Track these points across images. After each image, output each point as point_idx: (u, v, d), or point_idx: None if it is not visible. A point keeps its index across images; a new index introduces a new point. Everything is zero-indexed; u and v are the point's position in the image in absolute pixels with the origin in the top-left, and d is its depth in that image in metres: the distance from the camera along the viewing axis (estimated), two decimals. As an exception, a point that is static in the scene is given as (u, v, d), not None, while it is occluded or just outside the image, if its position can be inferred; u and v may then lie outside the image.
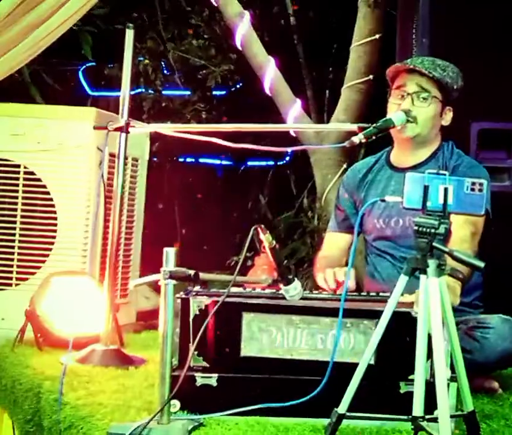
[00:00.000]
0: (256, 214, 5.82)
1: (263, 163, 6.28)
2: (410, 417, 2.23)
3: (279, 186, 6.09)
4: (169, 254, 2.29)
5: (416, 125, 2.97)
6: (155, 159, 5.61)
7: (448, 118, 3.04)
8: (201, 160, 6.42)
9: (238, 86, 6.04)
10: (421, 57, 3.21)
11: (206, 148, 5.91)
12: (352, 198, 3.17)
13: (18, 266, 3.79)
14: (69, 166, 3.76)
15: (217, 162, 6.44)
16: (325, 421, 2.28)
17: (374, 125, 2.88)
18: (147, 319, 4.13)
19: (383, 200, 2.45)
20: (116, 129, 3.26)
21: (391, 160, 3.13)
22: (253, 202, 6.06)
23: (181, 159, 6.36)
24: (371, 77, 4.70)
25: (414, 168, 2.90)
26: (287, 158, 6.14)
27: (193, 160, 6.44)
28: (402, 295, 2.27)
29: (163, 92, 6.03)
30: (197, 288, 2.55)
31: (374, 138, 2.87)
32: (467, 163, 3.01)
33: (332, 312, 2.44)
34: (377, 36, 4.64)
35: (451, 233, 2.54)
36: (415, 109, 2.96)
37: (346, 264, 2.82)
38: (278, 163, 6.20)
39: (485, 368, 2.81)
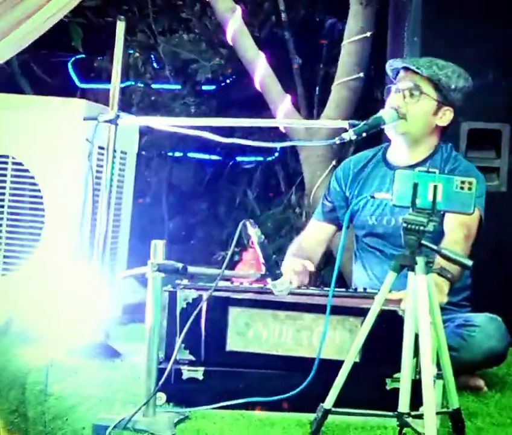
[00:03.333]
0: (244, 210, 5.81)
1: (252, 159, 6.26)
2: (395, 413, 2.24)
3: (268, 182, 6.08)
4: (158, 246, 2.28)
5: (406, 122, 2.97)
6: (143, 152, 5.58)
7: (446, 118, 3.01)
8: (189, 154, 6.40)
9: (228, 81, 6.03)
10: (424, 57, 3.20)
11: (194, 143, 5.90)
12: (344, 191, 3.16)
13: (5, 256, 3.77)
14: (57, 157, 3.74)
15: (206, 157, 6.42)
16: (311, 416, 2.29)
17: (365, 122, 2.89)
18: (134, 313, 4.12)
19: (373, 197, 2.45)
20: (106, 121, 3.25)
21: (387, 157, 3.12)
22: (241, 198, 6.05)
23: (169, 154, 6.34)
24: (361, 74, 4.69)
25: (410, 168, 2.90)
26: (276, 154, 6.13)
27: (181, 154, 6.42)
28: (390, 291, 2.28)
29: (153, 86, 6.01)
30: (185, 282, 2.55)
31: (364, 135, 2.87)
32: (463, 168, 3.01)
33: (318, 308, 2.45)
34: (368, 34, 4.63)
35: (444, 234, 2.56)
36: (405, 105, 2.96)
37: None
38: (267, 159, 6.19)
39: (471, 366, 2.82)
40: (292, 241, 3.31)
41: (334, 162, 4.68)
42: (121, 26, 3.32)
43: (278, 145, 4.85)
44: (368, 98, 4.82)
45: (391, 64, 3.08)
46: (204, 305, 2.41)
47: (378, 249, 3.06)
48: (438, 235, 2.54)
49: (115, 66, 3.31)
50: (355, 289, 2.80)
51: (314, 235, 3.18)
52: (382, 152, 3.16)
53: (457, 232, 2.75)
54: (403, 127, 2.98)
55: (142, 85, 5.99)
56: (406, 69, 3.01)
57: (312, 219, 3.29)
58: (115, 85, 3.30)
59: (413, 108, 2.97)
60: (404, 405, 2.23)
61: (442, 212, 2.30)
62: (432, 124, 3.02)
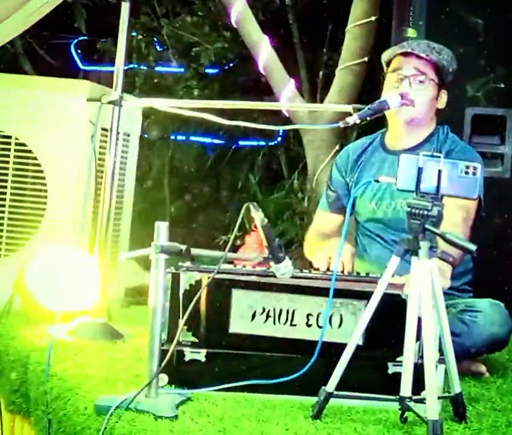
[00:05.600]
0: (246, 194, 5.81)
1: (254, 143, 6.26)
2: (397, 397, 2.25)
3: (270, 166, 6.08)
4: (161, 228, 2.28)
5: (414, 108, 2.97)
6: (146, 135, 5.58)
7: (443, 101, 3.04)
8: (192, 138, 6.39)
9: (231, 65, 6.01)
10: (417, 40, 3.21)
11: (197, 127, 5.90)
12: (345, 179, 3.17)
13: (7, 237, 3.77)
14: (60, 138, 3.73)
15: (208, 140, 6.42)
16: (313, 399, 2.29)
17: (369, 106, 2.88)
18: (135, 295, 4.12)
19: (377, 181, 2.44)
20: (110, 102, 3.24)
21: (385, 142, 3.12)
22: (244, 182, 6.05)
23: (172, 137, 6.34)
24: (365, 59, 4.68)
25: (408, 151, 2.89)
26: (279, 139, 6.13)
27: (184, 138, 6.41)
28: (393, 276, 2.28)
29: (156, 69, 6.00)
30: (188, 264, 2.54)
31: (368, 119, 2.88)
32: (460, 148, 3.01)
33: (322, 292, 2.45)
34: (373, 18, 4.62)
35: (443, 217, 2.55)
36: (413, 92, 2.96)
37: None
38: (270, 143, 6.18)
39: (473, 351, 2.82)
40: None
41: (337, 147, 4.68)
42: (125, 7, 3.30)
43: (281, 128, 4.84)
44: (372, 83, 4.81)
45: (394, 50, 3.06)
46: (207, 287, 2.40)
47: (379, 235, 3.06)
48: (438, 218, 2.54)
49: (119, 47, 3.30)
50: (358, 273, 2.79)
51: (327, 225, 3.17)
52: (380, 138, 3.16)
53: (457, 215, 2.76)
54: (409, 113, 2.97)
55: (145, 68, 5.98)
56: (406, 54, 2.99)
57: (318, 210, 3.29)
58: (119, 66, 3.29)
59: (421, 94, 2.97)
60: (406, 389, 2.24)
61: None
62: (434, 107, 3.03)
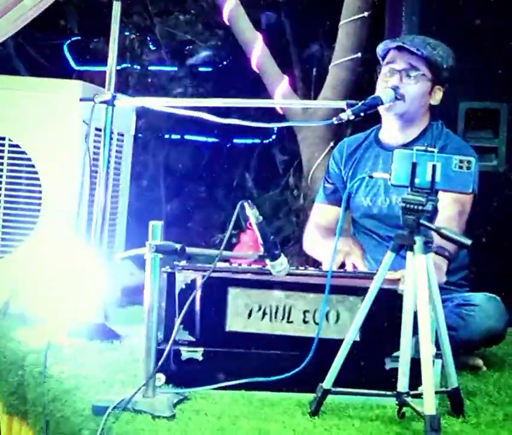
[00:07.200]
0: (241, 192, 5.81)
1: (249, 141, 6.26)
2: (394, 392, 2.25)
3: (265, 164, 6.08)
4: (156, 227, 2.27)
5: (404, 103, 2.96)
6: (140, 135, 5.57)
7: (437, 97, 3.03)
8: (186, 137, 6.39)
9: (225, 63, 6.01)
10: (413, 35, 3.21)
11: (191, 126, 5.89)
12: (341, 172, 3.17)
13: (2, 239, 3.76)
14: (54, 139, 3.72)
15: (203, 139, 6.41)
16: (310, 396, 2.29)
17: (363, 102, 2.88)
18: (132, 295, 4.12)
19: (371, 177, 2.45)
20: (103, 102, 3.24)
21: (380, 138, 3.12)
22: (239, 180, 6.05)
23: (166, 136, 6.33)
24: (359, 54, 4.68)
25: (403, 147, 2.89)
26: (273, 136, 6.13)
27: (178, 137, 6.41)
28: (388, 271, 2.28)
29: (149, 68, 5.99)
30: (183, 263, 2.54)
31: (362, 115, 2.87)
32: (454, 143, 3.01)
33: (318, 288, 2.45)
34: (366, 14, 4.62)
35: (438, 212, 2.55)
36: (403, 86, 2.96)
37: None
38: (264, 141, 6.18)
39: (470, 345, 2.82)
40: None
41: (331, 143, 4.67)
42: (117, 6, 3.30)
43: (275, 125, 4.84)
44: (365, 79, 4.81)
45: (386, 44, 3.06)
46: (203, 286, 2.40)
47: (374, 232, 3.06)
48: (433, 213, 2.54)
49: (111, 46, 3.29)
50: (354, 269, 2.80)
51: (325, 217, 3.17)
52: (374, 133, 3.16)
53: (452, 209, 2.76)
54: (400, 107, 2.98)
55: (138, 67, 5.97)
56: (400, 48, 2.99)
57: (315, 202, 3.28)
58: (111, 66, 3.28)
59: (411, 89, 2.97)
60: (403, 384, 2.24)
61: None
62: (427, 103, 3.03)
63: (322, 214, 3.20)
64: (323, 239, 3.06)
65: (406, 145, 2.94)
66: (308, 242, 3.20)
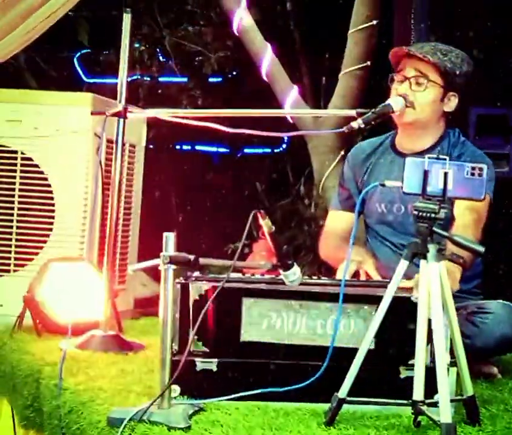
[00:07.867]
0: (252, 202, 5.82)
1: (260, 150, 6.27)
2: (410, 401, 2.24)
3: (276, 173, 6.09)
4: (169, 238, 2.28)
5: (414, 111, 2.96)
6: (151, 146, 5.59)
7: (452, 104, 3.00)
8: (197, 147, 6.41)
9: (234, 73, 6.02)
10: (427, 43, 3.18)
11: (202, 136, 5.91)
12: (355, 177, 3.15)
13: (16, 252, 3.77)
14: (66, 152, 3.75)
15: (213, 149, 6.43)
16: (326, 406, 2.29)
17: (373, 110, 2.88)
18: (145, 307, 4.13)
19: (383, 185, 2.44)
20: (114, 114, 3.25)
21: (395, 144, 3.11)
22: (250, 190, 6.05)
23: (177, 147, 6.35)
24: (368, 63, 4.68)
25: (418, 154, 2.88)
26: (284, 146, 6.14)
27: (189, 147, 6.43)
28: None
29: (160, 79, 6.02)
30: (197, 273, 2.55)
31: (372, 123, 2.87)
32: (470, 153, 2.99)
33: (332, 297, 2.44)
34: (374, 22, 4.62)
35: (453, 219, 2.55)
36: (412, 93, 2.95)
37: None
38: (275, 150, 6.19)
39: (484, 353, 2.81)
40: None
41: (342, 152, 4.68)
42: (127, 18, 3.32)
43: (286, 135, 4.84)
44: (375, 87, 4.81)
45: (396, 52, 3.06)
46: (216, 296, 2.40)
47: (388, 240, 3.04)
48: (448, 221, 2.53)
49: (121, 58, 3.31)
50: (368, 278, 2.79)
51: (340, 224, 3.15)
52: (390, 139, 3.14)
53: (467, 217, 2.74)
54: (411, 115, 2.97)
55: (148, 79, 5.99)
56: (410, 56, 2.98)
57: (330, 210, 3.27)
58: (122, 78, 3.30)
59: (421, 96, 2.96)
60: (418, 393, 2.23)
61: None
62: (439, 110, 3.01)
63: (337, 221, 3.18)
64: (338, 246, 3.05)
65: (421, 153, 2.91)
66: (323, 249, 3.19)
